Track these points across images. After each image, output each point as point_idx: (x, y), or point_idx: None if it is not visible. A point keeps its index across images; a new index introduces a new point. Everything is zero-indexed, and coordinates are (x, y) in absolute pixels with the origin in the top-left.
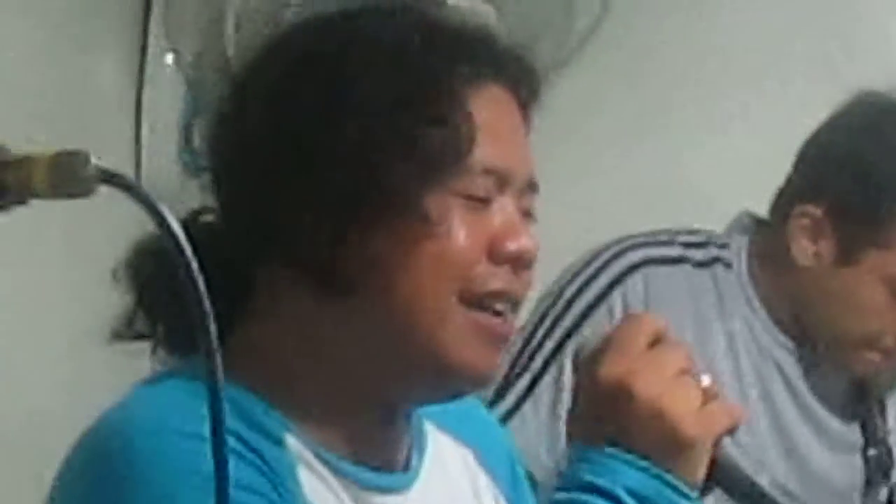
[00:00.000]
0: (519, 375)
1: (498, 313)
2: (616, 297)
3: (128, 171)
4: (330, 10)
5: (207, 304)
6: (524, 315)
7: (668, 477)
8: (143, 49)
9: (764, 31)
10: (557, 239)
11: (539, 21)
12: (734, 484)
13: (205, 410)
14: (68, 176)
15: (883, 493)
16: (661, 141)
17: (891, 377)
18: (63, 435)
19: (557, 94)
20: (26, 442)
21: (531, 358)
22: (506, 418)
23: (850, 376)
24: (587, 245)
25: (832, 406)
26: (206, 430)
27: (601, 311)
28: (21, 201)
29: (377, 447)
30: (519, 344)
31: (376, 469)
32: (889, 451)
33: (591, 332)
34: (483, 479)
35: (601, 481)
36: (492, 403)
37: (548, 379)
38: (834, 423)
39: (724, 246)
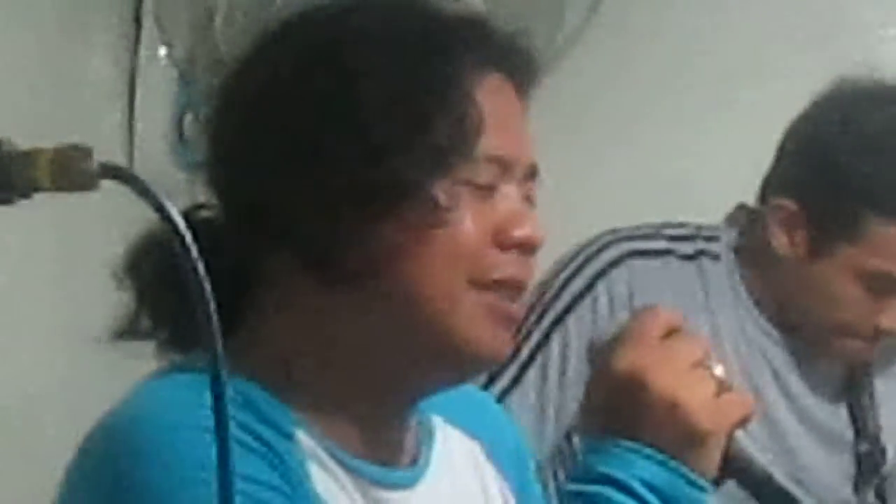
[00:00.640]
0: (505, 366)
1: (506, 298)
2: (600, 289)
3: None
4: (324, 2)
5: (211, 297)
6: None
7: (683, 469)
8: (136, 43)
9: (756, 25)
10: (547, 233)
11: (529, 15)
12: (749, 476)
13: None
14: (72, 170)
15: (873, 489)
16: (651, 136)
17: (883, 363)
18: (57, 430)
19: (547, 90)
20: (21, 437)
21: (518, 349)
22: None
23: (840, 370)
24: (578, 240)
25: (822, 400)
26: (236, 433)
27: (586, 303)
28: (25, 195)
29: (385, 442)
30: None
31: (384, 465)
32: (881, 448)
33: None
34: (490, 472)
35: (616, 473)
36: None
37: (534, 369)
38: (824, 418)
39: (711, 239)
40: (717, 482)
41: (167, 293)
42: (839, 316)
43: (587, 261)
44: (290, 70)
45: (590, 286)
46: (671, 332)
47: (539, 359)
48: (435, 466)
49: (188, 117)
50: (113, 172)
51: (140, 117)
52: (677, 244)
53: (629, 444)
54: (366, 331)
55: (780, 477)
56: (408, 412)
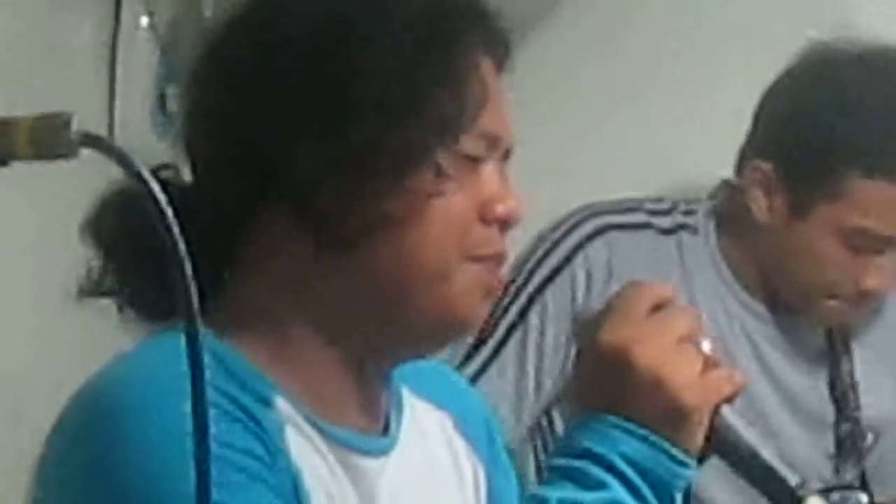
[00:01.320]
0: (484, 341)
1: (489, 271)
2: (579, 262)
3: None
4: None
5: (189, 268)
6: None
7: (666, 445)
8: (118, 12)
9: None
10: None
11: None
12: (734, 453)
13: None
14: (51, 139)
15: (854, 468)
16: (638, 108)
17: (863, 331)
18: (32, 392)
19: (532, 59)
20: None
21: (496, 324)
22: (472, 382)
23: (821, 344)
24: (561, 212)
25: (803, 376)
26: (214, 397)
27: (564, 276)
28: (3, 163)
29: (362, 410)
30: None
31: (361, 432)
32: (860, 429)
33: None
34: (460, 444)
35: (597, 448)
36: (458, 368)
37: (513, 343)
38: (805, 394)
39: (690, 213)
40: (701, 458)
41: (131, 255)
42: (822, 277)
43: (565, 234)
44: (301, 40)
45: (568, 259)
46: (659, 307)
47: (517, 332)
48: (406, 435)
49: (170, 88)
50: (92, 142)
51: (121, 87)
52: (656, 218)
53: (612, 419)
54: (354, 296)
55: (767, 454)
56: (384, 380)
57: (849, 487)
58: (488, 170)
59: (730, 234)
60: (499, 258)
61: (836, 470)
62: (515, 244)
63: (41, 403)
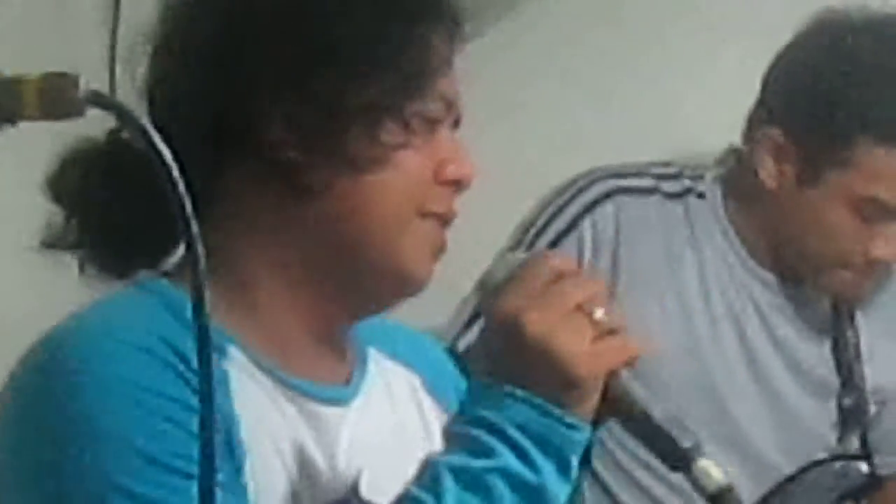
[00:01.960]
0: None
1: (440, 229)
2: (586, 225)
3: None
4: None
5: (196, 228)
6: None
7: (558, 412)
8: None
9: None
10: (535, 171)
11: None
12: (630, 417)
13: (152, 324)
14: (58, 98)
15: (858, 439)
16: (643, 74)
17: (868, 301)
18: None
19: (536, 26)
20: None
21: None
22: (474, 346)
23: (827, 312)
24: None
25: (809, 344)
26: (150, 342)
27: (571, 239)
28: (11, 122)
29: (322, 361)
30: None
31: (319, 381)
32: (865, 399)
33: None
34: (429, 404)
35: (490, 416)
36: (460, 333)
37: None
38: (810, 362)
39: (697, 178)
40: (597, 421)
41: (92, 210)
42: (831, 246)
43: (573, 197)
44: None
45: (575, 222)
46: (560, 278)
47: None
48: (371, 389)
49: None
50: (100, 100)
51: (123, 46)
52: (664, 182)
53: (505, 387)
54: (311, 246)
55: (660, 416)
56: (344, 333)
57: (852, 457)
58: (444, 133)
59: (738, 202)
60: (447, 218)
61: (840, 439)
62: (516, 210)
63: None
